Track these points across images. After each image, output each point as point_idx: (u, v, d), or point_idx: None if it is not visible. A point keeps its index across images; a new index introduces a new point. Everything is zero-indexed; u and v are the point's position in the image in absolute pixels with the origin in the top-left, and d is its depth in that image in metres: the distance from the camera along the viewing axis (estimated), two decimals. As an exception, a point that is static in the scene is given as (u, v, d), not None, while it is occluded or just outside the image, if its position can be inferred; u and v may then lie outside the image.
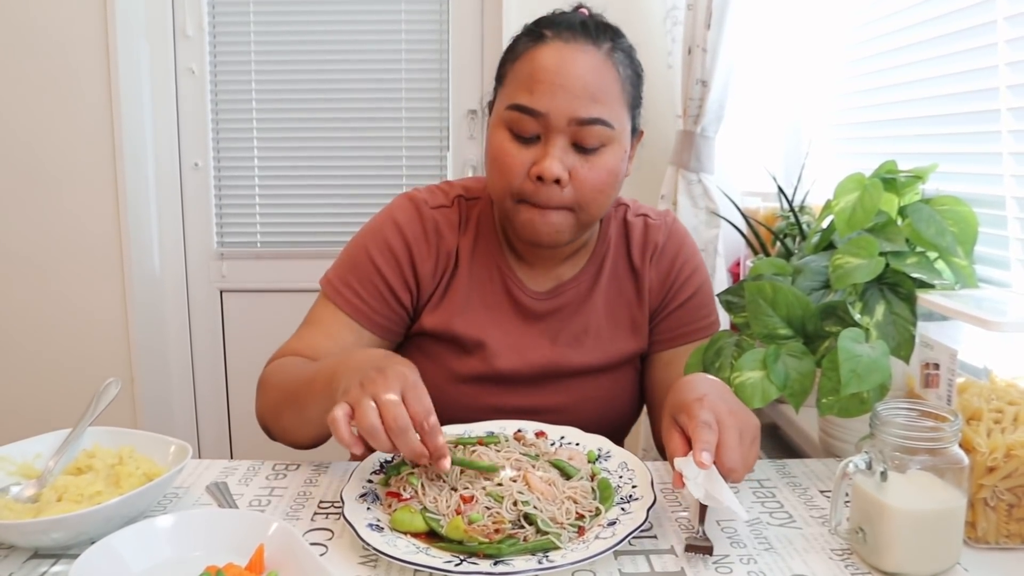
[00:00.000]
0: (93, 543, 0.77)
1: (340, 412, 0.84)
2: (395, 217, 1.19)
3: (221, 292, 2.54)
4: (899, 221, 1.15)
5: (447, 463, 0.86)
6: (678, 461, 0.84)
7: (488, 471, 0.89)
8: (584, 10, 1.14)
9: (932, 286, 1.06)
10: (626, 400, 1.26)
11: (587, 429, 1.10)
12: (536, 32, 1.09)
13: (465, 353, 1.18)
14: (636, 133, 1.16)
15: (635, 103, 1.13)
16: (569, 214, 1.09)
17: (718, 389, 0.93)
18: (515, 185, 1.08)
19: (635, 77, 1.12)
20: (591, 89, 1.04)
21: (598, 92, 1.05)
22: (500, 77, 1.14)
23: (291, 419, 1.06)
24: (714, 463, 0.83)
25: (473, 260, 1.20)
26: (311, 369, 1.03)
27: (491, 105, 1.16)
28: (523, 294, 1.20)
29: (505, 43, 1.16)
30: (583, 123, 1.05)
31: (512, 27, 2.19)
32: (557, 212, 1.08)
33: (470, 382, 1.17)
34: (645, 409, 1.32)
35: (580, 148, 1.06)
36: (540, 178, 1.05)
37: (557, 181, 1.05)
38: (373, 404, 0.82)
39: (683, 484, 0.82)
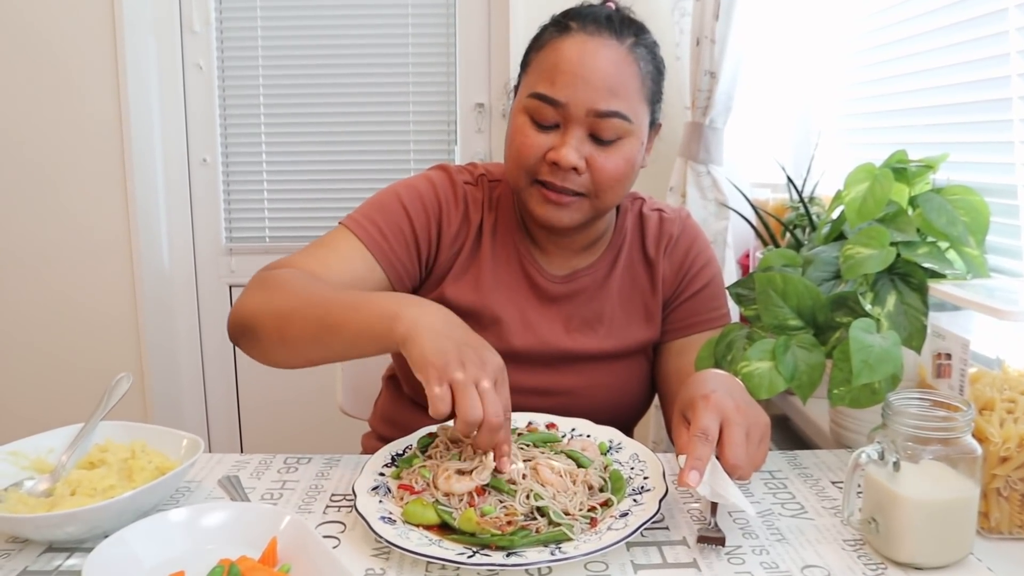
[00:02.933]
0: (107, 537, 0.78)
1: (446, 395, 0.82)
2: (430, 177, 1.22)
3: (230, 287, 2.55)
4: (910, 211, 1.15)
5: (507, 465, 0.87)
6: (682, 458, 0.84)
7: (508, 492, 0.88)
8: (611, 3, 1.16)
9: (943, 276, 1.06)
10: (637, 388, 1.26)
11: (598, 414, 1.10)
12: (562, 23, 1.11)
13: (481, 328, 1.18)
14: (655, 126, 1.17)
15: (655, 98, 1.14)
16: (583, 200, 1.10)
17: (728, 385, 0.92)
18: (531, 168, 1.10)
19: (656, 73, 1.14)
20: (611, 82, 1.06)
21: (618, 86, 1.07)
22: (525, 64, 1.16)
23: (306, 333, 0.99)
24: (718, 460, 0.83)
25: (495, 238, 1.22)
26: (352, 296, 0.98)
27: (516, 89, 1.18)
28: (540, 276, 1.21)
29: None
30: (601, 115, 1.06)
31: (520, 19, 2.19)
32: (571, 198, 1.09)
33: None
34: (657, 402, 1.32)
35: (597, 139, 1.08)
36: (556, 164, 1.07)
37: (574, 169, 1.07)
38: (477, 395, 0.82)
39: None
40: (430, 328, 0.88)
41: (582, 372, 1.21)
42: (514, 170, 1.13)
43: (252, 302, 1.05)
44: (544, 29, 1.14)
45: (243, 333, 1.06)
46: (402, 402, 1.28)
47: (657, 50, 1.15)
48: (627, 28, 1.10)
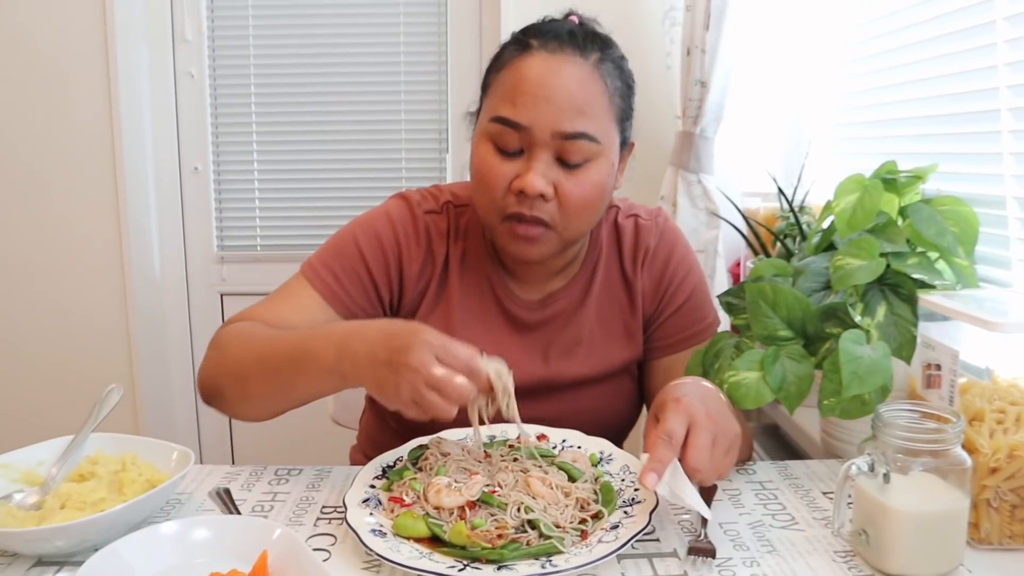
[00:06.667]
0: (97, 550, 0.77)
1: (419, 413, 0.86)
2: (389, 213, 1.17)
3: (221, 295, 2.54)
4: (900, 221, 1.16)
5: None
6: (645, 456, 0.85)
7: (499, 506, 0.88)
8: (574, 18, 1.11)
9: (933, 286, 1.06)
10: (622, 407, 1.24)
11: (586, 435, 1.09)
12: (522, 41, 1.06)
13: None
14: (626, 146, 1.13)
15: (624, 116, 1.09)
16: (551, 233, 1.06)
17: (701, 392, 0.92)
18: (498, 200, 1.05)
19: (625, 89, 1.08)
20: (576, 102, 1.01)
21: (584, 105, 1.01)
22: (485, 86, 1.11)
23: (265, 388, 1.00)
24: (680, 461, 0.84)
25: (463, 270, 1.18)
26: (295, 341, 0.98)
27: (477, 113, 1.13)
28: (513, 305, 1.18)
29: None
30: (567, 137, 1.01)
31: (511, 28, 2.18)
32: (539, 230, 1.05)
33: None
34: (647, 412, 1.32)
35: (564, 163, 1.03)
36: (523, 192, 1.02)
37: (541, 196, 1.02)
38: (438, 396, 0.83)
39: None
40: (366, 363, 0.89)
41: (564, 399, 1.17)
42: (483, 205, 1.08)
43: (210, 365, 1.06)
44: (504, 48, 1.08)
45: (211, 396, 1.07)
46: (384, 422, 1.26)
47: (625, 64, 1.09)
48: (591, 43, 1.04)
